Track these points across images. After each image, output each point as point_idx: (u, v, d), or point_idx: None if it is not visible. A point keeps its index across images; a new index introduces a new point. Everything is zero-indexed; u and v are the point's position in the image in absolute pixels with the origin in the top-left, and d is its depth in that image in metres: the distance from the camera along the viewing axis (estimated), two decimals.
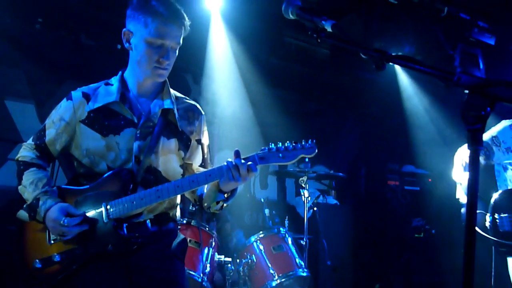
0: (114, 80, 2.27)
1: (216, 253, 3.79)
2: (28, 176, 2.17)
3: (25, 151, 2.26)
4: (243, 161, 2.03)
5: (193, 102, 2.41)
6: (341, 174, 5.10)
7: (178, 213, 2.37)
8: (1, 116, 4.56)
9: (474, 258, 1.04)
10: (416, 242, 6.09)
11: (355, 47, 1.43)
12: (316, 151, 2.10)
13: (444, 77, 1.16)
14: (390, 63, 1.36)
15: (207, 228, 3.78)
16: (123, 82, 2.24)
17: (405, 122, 6.38)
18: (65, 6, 4.69)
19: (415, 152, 6.40)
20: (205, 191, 2.25)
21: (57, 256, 2.08)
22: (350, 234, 6.17)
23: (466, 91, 1.11)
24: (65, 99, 2.25)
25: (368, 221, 6.48)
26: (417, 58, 5.35)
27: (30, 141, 2.29)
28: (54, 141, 2.23)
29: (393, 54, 1.36)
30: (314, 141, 2.10)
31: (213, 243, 3.76)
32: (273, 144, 2.09)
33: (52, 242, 2.10)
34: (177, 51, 2.20)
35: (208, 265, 3.59)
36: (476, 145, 1.08)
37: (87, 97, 2.21)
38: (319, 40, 1.58)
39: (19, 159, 2.25)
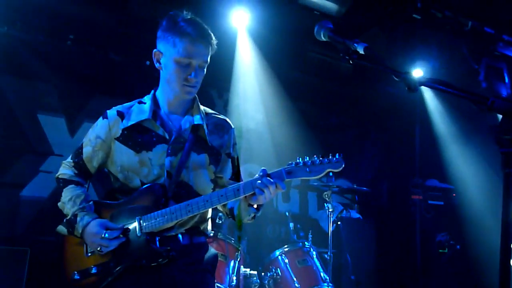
0: (147, 99, 2.35)
1: (241, 266, 3.83)
2: (67, 193, 2.26)
3: (64, 169, 2.35)
4: (270, 178, 2.08)
5: (222, 117, 2.48)
6: (364, 188, 5.09)
7: (209, 227, 2.43)
8: (34, 129, 4.69)
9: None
10: (441, 257, 6.00)
11: (388, 69, 1.46)
12: (343, 165, 2.11)
13: (478, 101, 1.19)
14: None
15: (232, 241, 3.82)
16: (155, 101, 2.33)
17: (429, 135, 6.33)
18: (95, 23, 4.86)
19: (439, 166, 6.34)
20: (235, 205, 2.31)
21: (94, 268, 2.15)
22: (373, 249, 6.12)
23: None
24: (101, 118, 2.33)
25: (391, 236, 6.42)
26: (441, 72, 5.36)
27: (68, 159, 2.37)
28: (91, 158, 2.31)
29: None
30: (342, 155, 2.11)
31: (239, 256, 3.80)
32: (300, 159, 2.12)
33: (90, 254, 2.17)
34: (205, 69, 2.27)
35: (234, 277, 3.63)
36: (511, 167, 1.10)
37: (121, 115, 2.29)
38: (351, 62, 1.62)
39: (59, 177, 2.34)
